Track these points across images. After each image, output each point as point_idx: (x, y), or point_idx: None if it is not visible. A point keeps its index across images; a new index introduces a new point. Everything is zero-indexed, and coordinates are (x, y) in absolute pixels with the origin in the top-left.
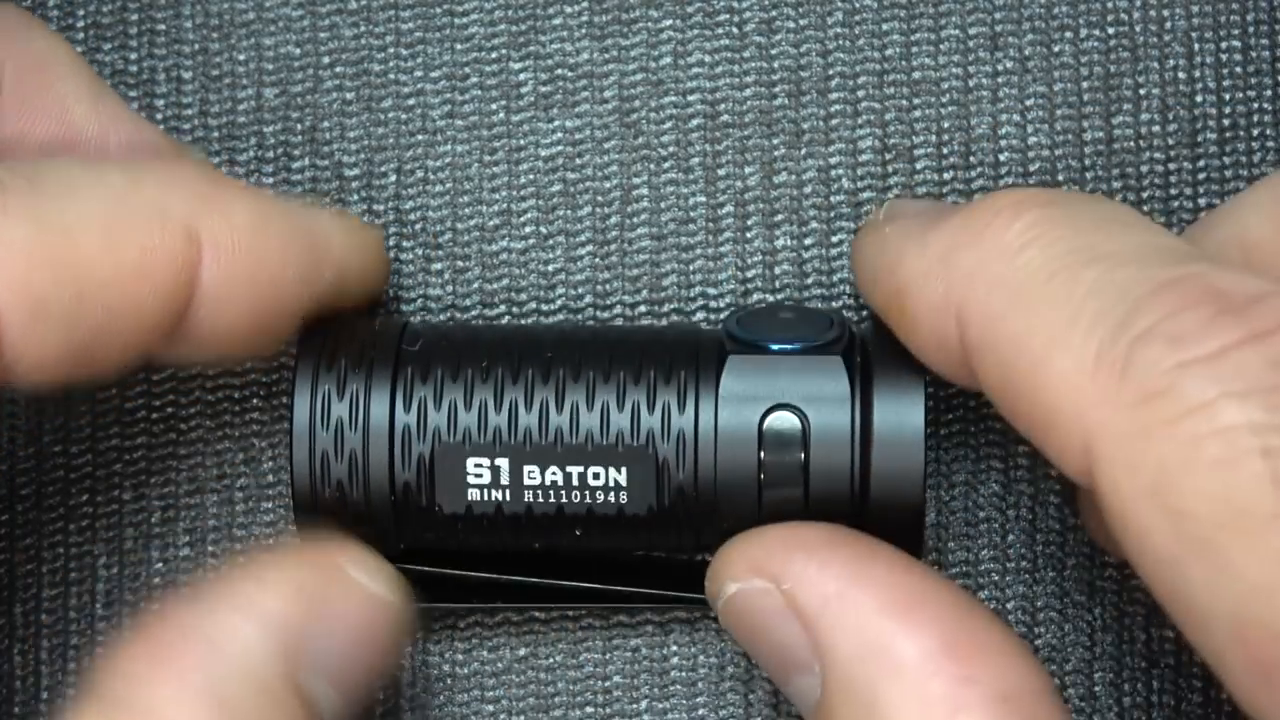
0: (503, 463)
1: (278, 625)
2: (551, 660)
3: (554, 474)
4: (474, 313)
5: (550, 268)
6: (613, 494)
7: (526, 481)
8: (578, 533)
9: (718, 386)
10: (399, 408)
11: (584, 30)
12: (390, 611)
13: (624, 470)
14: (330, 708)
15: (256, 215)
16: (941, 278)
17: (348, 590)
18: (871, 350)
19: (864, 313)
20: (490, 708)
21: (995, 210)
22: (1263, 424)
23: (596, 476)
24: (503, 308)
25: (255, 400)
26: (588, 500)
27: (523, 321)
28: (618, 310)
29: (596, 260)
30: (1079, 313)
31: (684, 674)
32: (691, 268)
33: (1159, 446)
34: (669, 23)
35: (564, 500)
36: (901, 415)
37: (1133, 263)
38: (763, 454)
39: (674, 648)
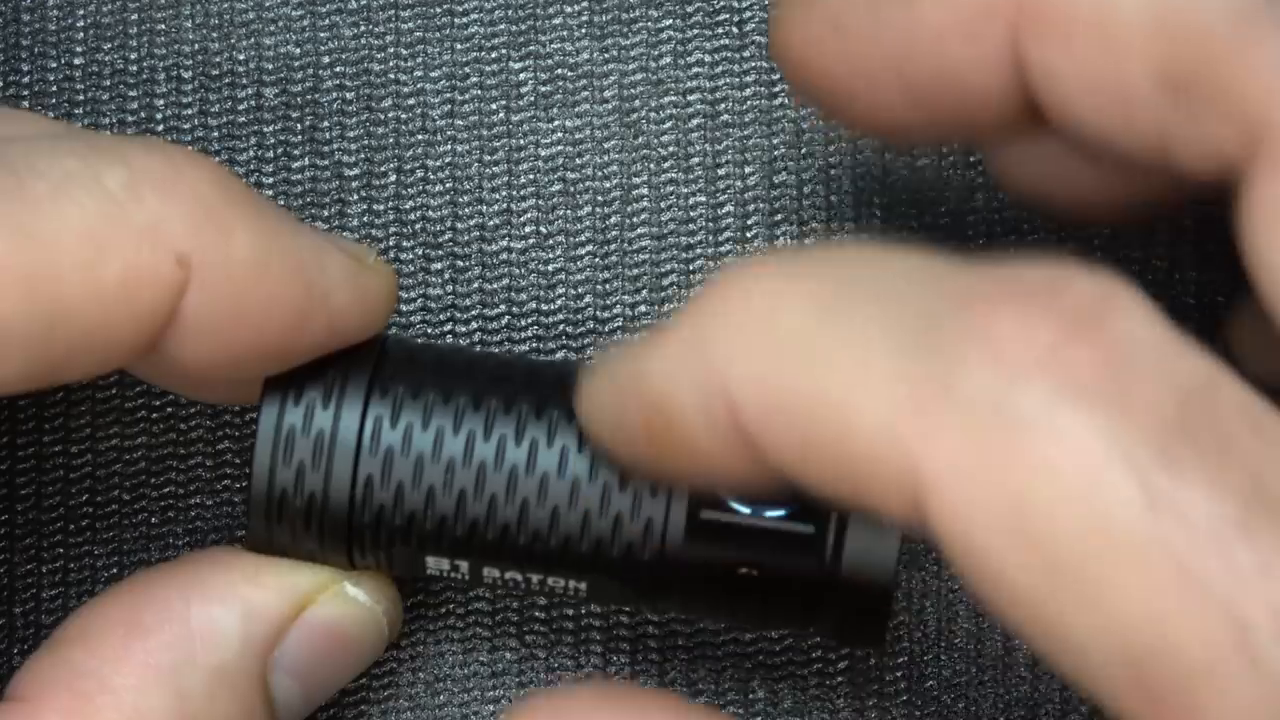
0: (462, 564)
1: (260, 622)
2: (551, 661)
3: (514, 575)
4: (474, 312)
5: (550, 268)
6: (571, 592)
7: (485, 576)
8: (540, 601)
9: (685, 542)
10: (358, 506)
11: (584, 30)
12: (374, 622)
13: (585, 582)
14: (291, 704)
15: (258, 249)
16: (698, 367)
17: (337, 599)
18: None
19: None
20: (490, 708)
21: (728, 282)
22: (1116, 432)
23: (557, 581)
24: (503, 308)
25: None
26: (547, 592)
27: (522, 322)
28: (618, 310)
29: (596, 260)
30: (876, 345)
31: (684, 674)
32: (691, 268)
33: (1007, 474)
34: (669, 23)
35: (524, 589)
36: (872, 558)
37: (910, 286)
38: (727, 595)
39: (673, 649)
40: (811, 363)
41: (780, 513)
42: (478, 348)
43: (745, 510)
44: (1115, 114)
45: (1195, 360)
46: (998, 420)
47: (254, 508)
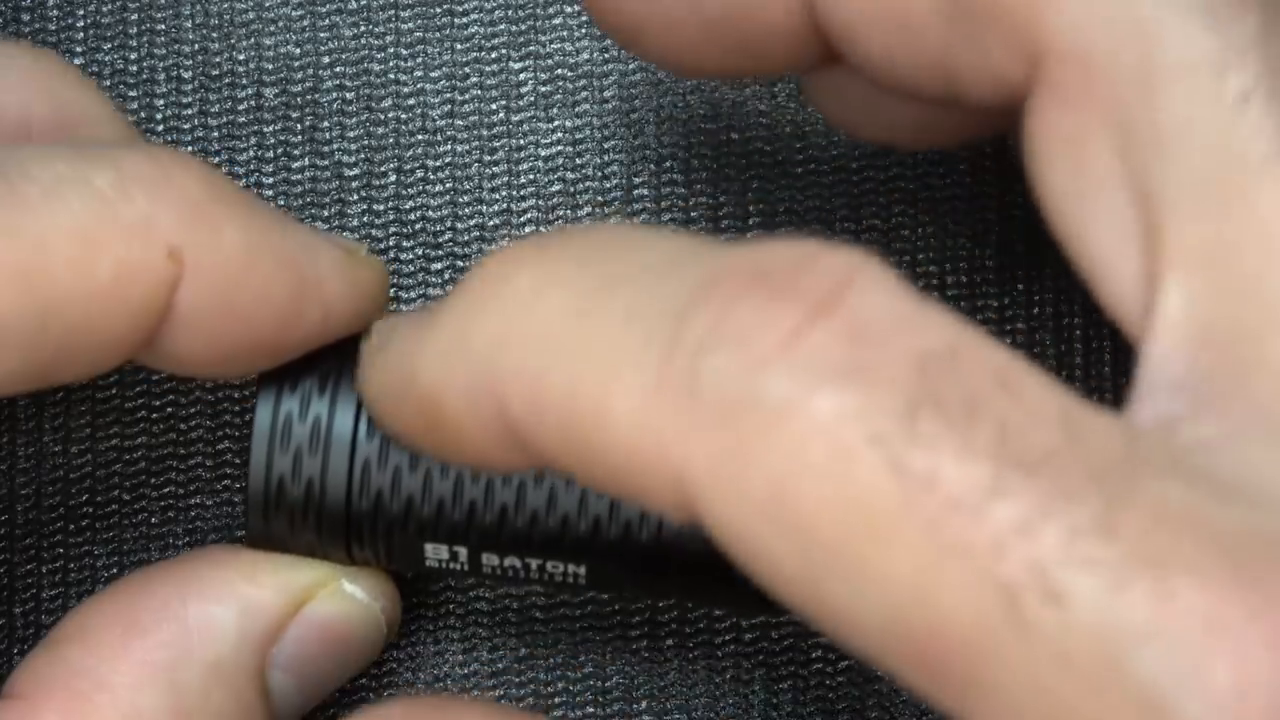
0: (460, 550)
1: (257, 619)
2: (551, 661)
3: (513, 561)
4: None
5: None
6: (571, 578)
7: (484, 564)
8: (539, 590)
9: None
10: (355, 494)
11: (584, 30)
12: (373, 620)
13: (584, 566)
14: (288, 702)
15: (248, 242)
16: (464, 364)
17: (335, 596)
18: None
19: None
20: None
21: (492, 272)
22: (859, 408)
23: (556, 566)
24: None
25: (254, 402)
26: (546, 579)
27: None
28: None
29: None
30: (623, 342)
31: (683, 674)
32: None
33: (759, 463)
34: None
35: (523, 578)
36: None
37: (663, 274)
38: (727, 572)
39: (674, 648)
40: (567, 363)
41: None
42: None
43: None
44: (900, 47)
45: (938, 326)
46: (745, 410)
47: (252, 496)
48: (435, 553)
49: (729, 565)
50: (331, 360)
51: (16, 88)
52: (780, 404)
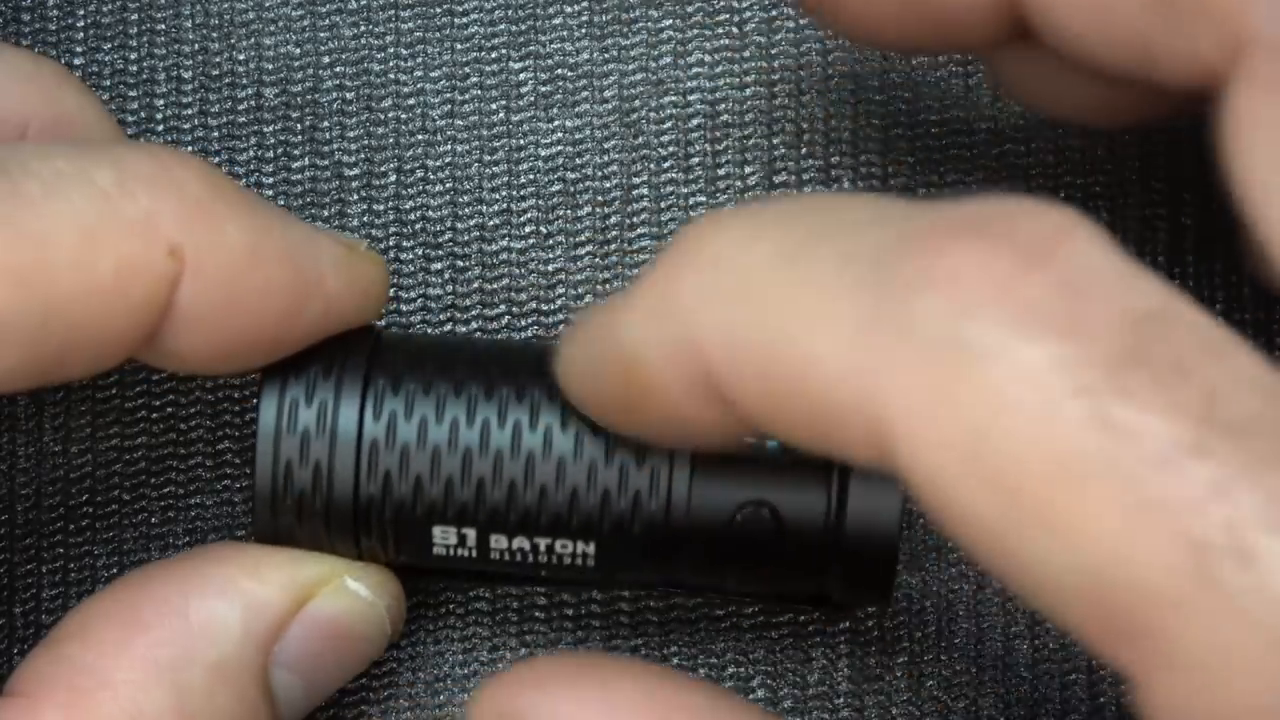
0: (469, 533)
1: (260, 616)
2: None
3: (521, 542)
4: (474, 312)
5: (550, 268)
6: (579, 559)
7: (493, 547)
8: (544, 574)
9: (691, 482)
10: (363, 474)
11: (584, 30)
12: (376, 617)
13: (593, 544)
14: (292, 700)
15: (249, 239)
16: (667, 321)
17: (339, 593)
18: None
19: None
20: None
21: (693, 234)
22: (1069, 360)
23: (565, 547)
24: (503, 308)
25: (256, 402)
26: (555, 563)
27: (522, 322)
28: None
29: (596, 260)
30: (831, 286)
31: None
32: None
33: (963, 407)
34: (669, 23)
35: (531, 563)
36: (877, 502)
37: (872, 225)
38: (734, 543)
39: (674, 648)
40: (773, 310)
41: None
42: None
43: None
44: (1100, 26)
45: (1149, 287)
46: (953, 353)
47: (259, 480)
48: (443, 537)
49: (738, 531)
50: (335, 350)
51: (14, 91)
52: (990, 348)
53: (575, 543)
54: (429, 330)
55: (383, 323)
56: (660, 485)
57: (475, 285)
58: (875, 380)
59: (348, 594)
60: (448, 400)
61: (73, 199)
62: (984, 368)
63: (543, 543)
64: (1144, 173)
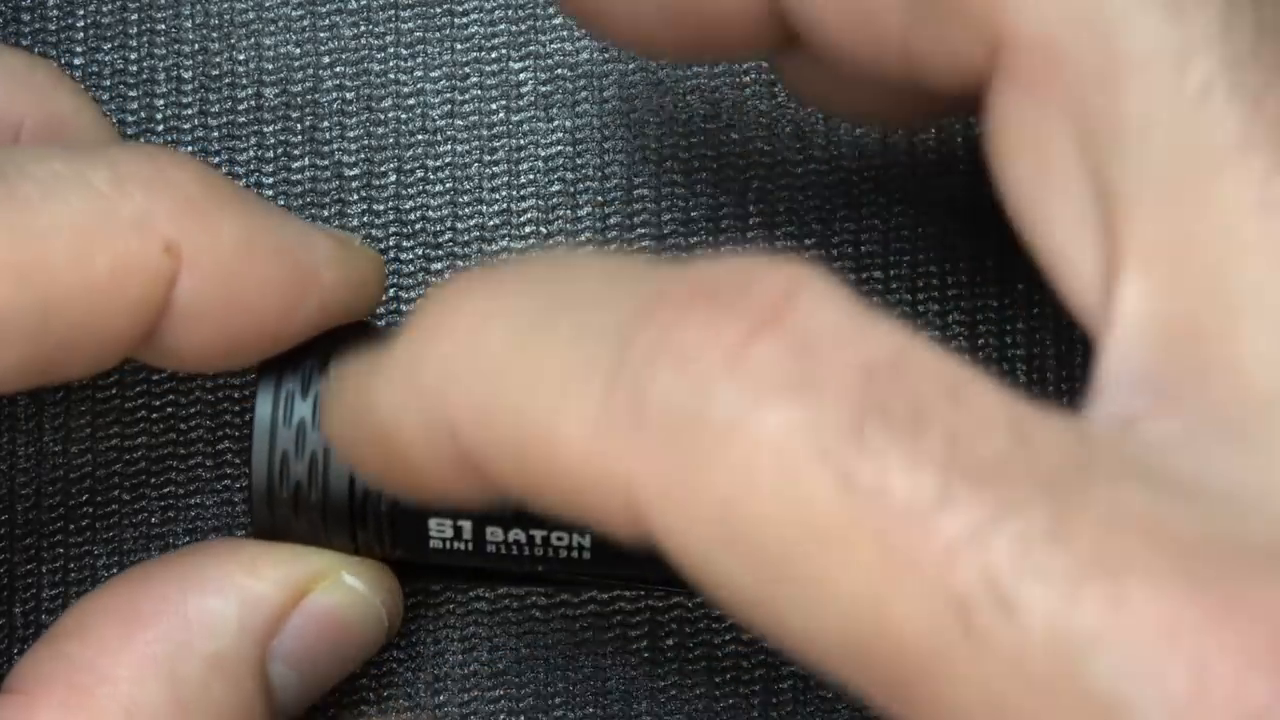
0: (465, 525)
1: (257, 611)
2: (551, 660)
3: (517, 534)
4: None
5: None
6: (575, 551)
7: (489, 540)
8: (540, 569)
9: None
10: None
11: (584, 30)
12: (373, 612)
13: (588, 536)
14: (290, 694)
15: (244, 236)
16: (417, 395)
17: (336, 588)
18: None
19: None
20: (490, 708)
21: (439, 303)
22: (806, 422)
23: (560, 539)
24: None
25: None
26: (551, 555)
27: None
28: None
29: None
30: (571, 364)
31: (684, 674)
32: None
33: (708, 483)
34: None
35: (527, 555)
36: None
37: (606, 297)
38: None
39: (674, 647)
40: (516, 388)
41: None
42: None
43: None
44: (861, 32)
45: (883, 335)
46: (691, 430)
47: (256, 472)
48: (440, 529)
49: None
50: (330, 343)
51: (8, 91)
52: (726, 420)
53: (571, 534)
54: None
55: (381, 322)
56: None
57: None
58: (622, 461)
59: (344, 588)
60: None
61: (69, 199)
62: (724, 441)
63: (538, 534)
64: None
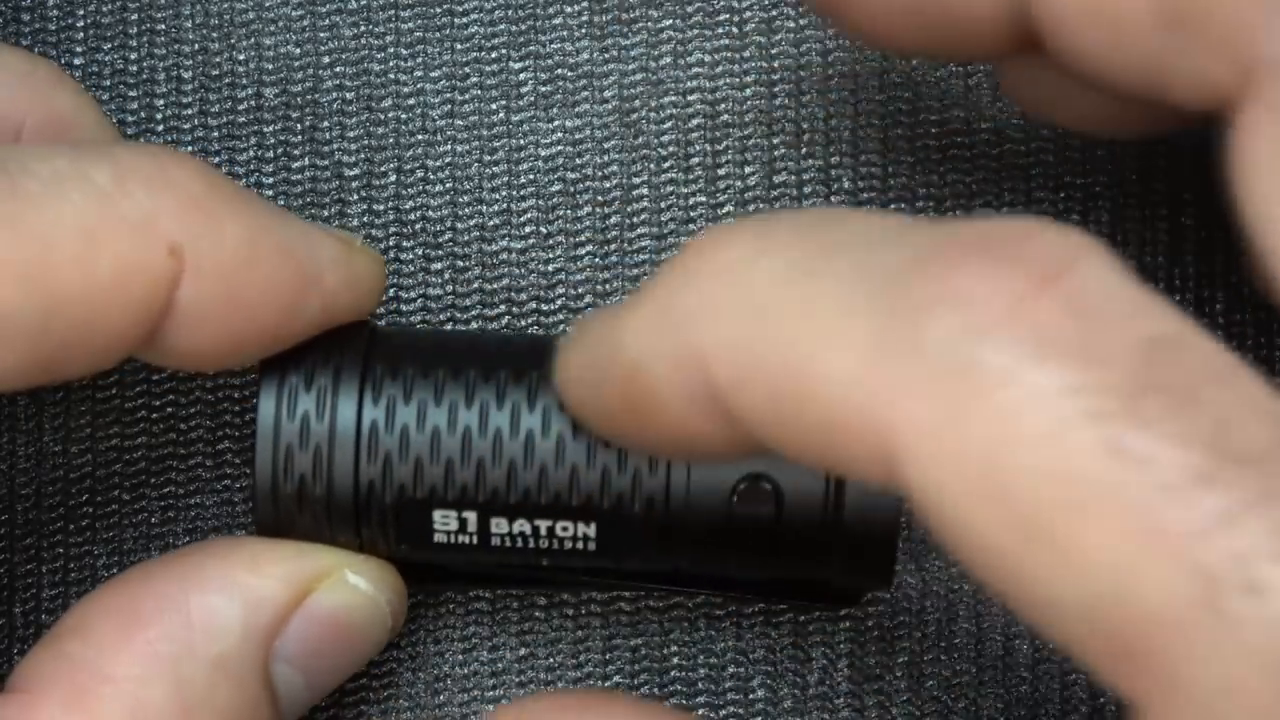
0: (470, 516)
1: (260, 611)
2: (551, 660)
3: (522, 525)
4: (474, 312)
5: (550, 268)
6: (581, 543)
7: (494, 532)
8: (545, 563)
9: None
10: (363, 458)
11: (584, 30)
12: (377, 611)
13: (594, 526)
14: (294, 694)
15: (247, 237)
16: (672, 332)
17: (339, 587)
18: None
19: None
20: (490, 708)
21: (702, 245)
22: (1081, 385)
23: (565, 529)
24: (503, 308)
25: (255, 400)
26: (556, 547)
27: (522, 322)
28: None
29: (596, 260)
30: (843, 303)
31: (684, 674)
32: None
33: (973, 430)
34: (669, 23)
35: (532, 548)
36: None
37: (884, 242)
38: (735, 521)
39: (674, 648)
40: (780, 325)
41: None
42: None
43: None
44: (1110, 45)
45: (1161, 313)
46: (963, 375)
47: (259, 466)
48: (444, 522)
49: (738, 516)
50: (333, 340)
51: (9, 90)
52: (1002, 369)
53: (576, 524)
54: None
55: (381, 322)
56: (660, 461)
57: (475, 285)
58: (886, 400)
59: (348, 588)
60: (446, 383)
61: (73, 198)
62: (995, 391)
63: (543, 525)
64: (1144, 173)
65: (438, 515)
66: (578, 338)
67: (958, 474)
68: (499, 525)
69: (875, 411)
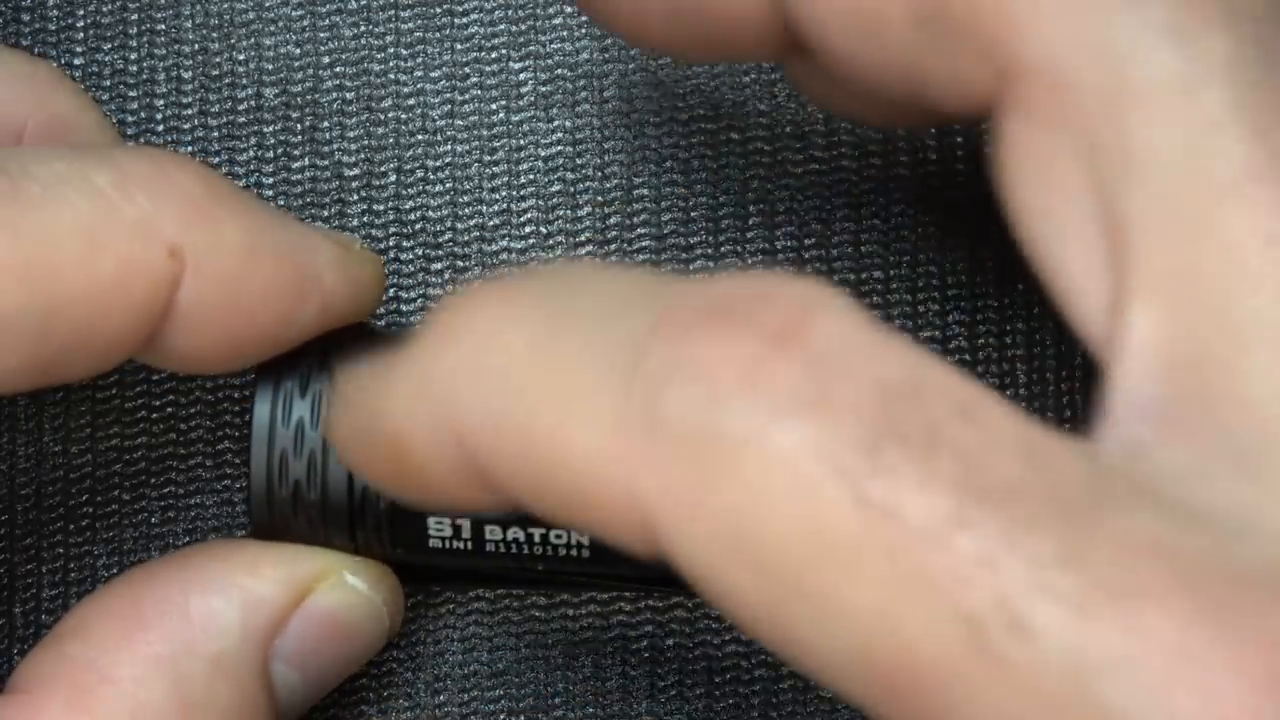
0: (464, 524)
1: (259, 612)
2: (551, 660)
3: (515, 533)
4: None
5: None
6: (574, 550)
7: (488, 539)
8: (540, 568)
9: None
10: None
11: (584, 30)
12: (374, 612)
13: (588, 535)
14: (292, 694)
15: (247, 239)
16: (429, 403)
17: (337, 588)
18: None
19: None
20: (490, 708)
21: (453, 312)
22: (822, 441)
23: (559, 537)
24: None
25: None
26: (550, 554)
27: None
28: None
29: (596, 260)
30: (586, 376)
31: (684, 674)
32: (691, 268)
33: (723, 497)
34: None
35: (526, 554)
36: None
37: (621, 309)
38: None
39: (674, 648)
40: (530, 398)
41: None
42: None
43: None
44: (868, 47)
45: (899, 357)
46: (707, 443)
47: (255, 471)
48: (439, 529)
49: None
50: (329, 344)
51: (10, 93)
52: (741, 436)
53: (569, 533)
54: None
55: (381, 322)
56: None
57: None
58: (635, 474)
59: (346, 588)
60: None
61: (73, 201)
62: (739, 457)
63: (537, 533)
64: None
65: (432, 521)
66: (344, 398)
67: (713, 541)
68: (493, 532)
69: (627, 483)
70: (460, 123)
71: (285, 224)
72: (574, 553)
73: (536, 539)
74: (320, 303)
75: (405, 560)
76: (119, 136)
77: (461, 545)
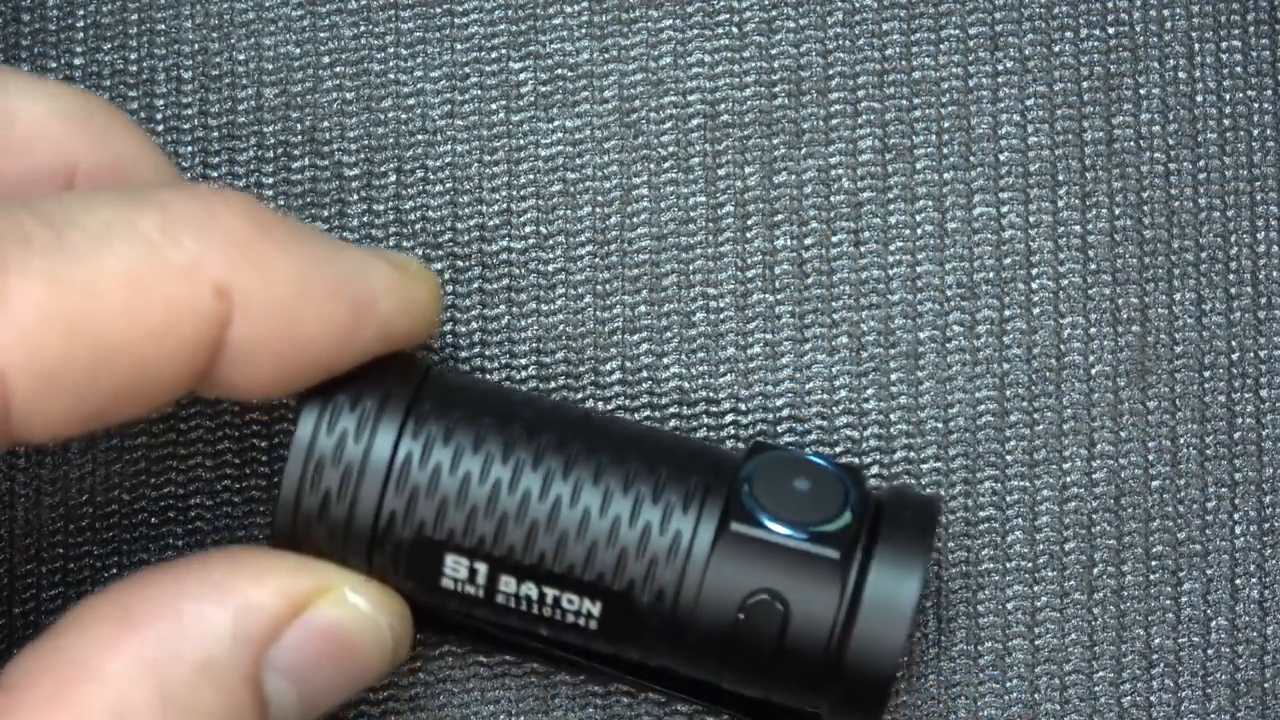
0: (480, 568)
1: (252, 619)
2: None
3: (529, 589)
4: (474, 312)
5: (550, 268)
6: (583, 619)
7: (501, 589)
8: (544, 633)
9: (710, 556)
10: (390, 487)
11: (584, 30)
12: (377, 632)
13: (599, 604)
14: (286, 707)
15: (297, 273)
16: None
17: (337, 604)
18: (884, 519)
19: (878, 321)
20: (490, 708)
21: None
22: None
23: (570, 603)
24: (502, 308)
25: (264, 403)
26: (558, 619)
27: (522, 323)
28: (617, 310)
29: (596, 260)
30: None
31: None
32: (691, 268)
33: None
34: (669, 23)
35: (535, 615)
36: (891, 598)
37: None
38: (739, 632)
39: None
40: None
41: (806, 535)
42: (478, 348)
43: (779, 529)
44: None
45: None
46: None
47: (290, 468)
48: (454, 569)
49: (745, 626)
50: (386, 370)
51: (61, 132)
52: None
53: (582, 599)
54: None
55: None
56: (679, 554)
57: (475, 285)
58: None
59: (347, 605)
60: (488, 434)
61: (118, 248)
62: None
63: (550, 593)
64: (1140, 172)
65: (449, 559)
66: None
67: None
68: (507, 584)
69: None
70: (460, 123)
71: (338, 252)
72: (581, 623)
73: (549, 599)
74: (376, 327)
75: (414, 595)
76: (176, 170)
77: (474, 591)
